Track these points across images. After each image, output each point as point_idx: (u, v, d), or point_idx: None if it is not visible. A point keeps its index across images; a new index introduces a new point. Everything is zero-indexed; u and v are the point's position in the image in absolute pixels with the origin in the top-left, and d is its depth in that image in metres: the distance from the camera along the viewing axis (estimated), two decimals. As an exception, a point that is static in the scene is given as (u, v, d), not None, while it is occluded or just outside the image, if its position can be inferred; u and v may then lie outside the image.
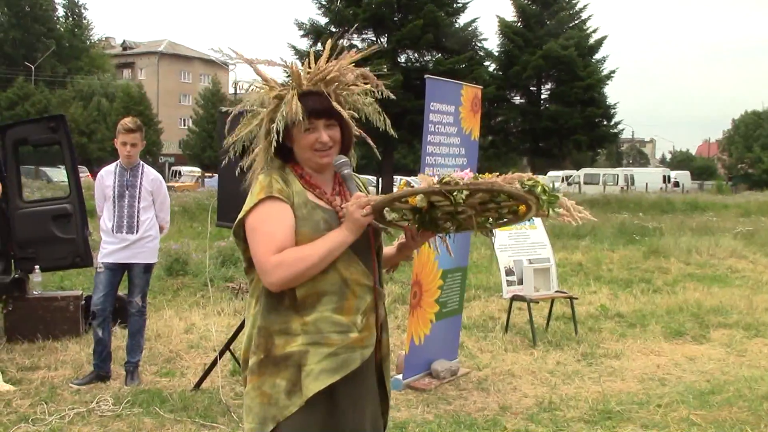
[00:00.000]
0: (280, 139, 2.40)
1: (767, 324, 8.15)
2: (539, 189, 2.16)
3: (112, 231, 5.68)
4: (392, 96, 2.59)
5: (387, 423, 2.69)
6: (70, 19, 58.61)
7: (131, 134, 5.67)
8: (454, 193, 2.17)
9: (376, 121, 2.61)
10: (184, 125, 66.22)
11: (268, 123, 2.47)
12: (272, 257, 2.32)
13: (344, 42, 2.65)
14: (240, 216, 2.42)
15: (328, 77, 2.49)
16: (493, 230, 2.39)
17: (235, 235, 2.46)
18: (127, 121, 5.75)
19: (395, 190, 2.29)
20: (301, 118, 2.38)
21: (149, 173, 5.83)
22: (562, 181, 46.27)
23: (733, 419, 4.90)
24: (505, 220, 2.32)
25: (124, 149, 5.66)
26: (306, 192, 2.45)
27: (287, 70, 2.55)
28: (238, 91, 2.70)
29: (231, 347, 5.54)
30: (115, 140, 5.75)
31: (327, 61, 2.50)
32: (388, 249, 2.67)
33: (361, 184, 2.59)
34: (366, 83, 2.56)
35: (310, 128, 2.43)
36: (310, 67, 2.50)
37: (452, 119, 6.01)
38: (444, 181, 2.18)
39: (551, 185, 2.20)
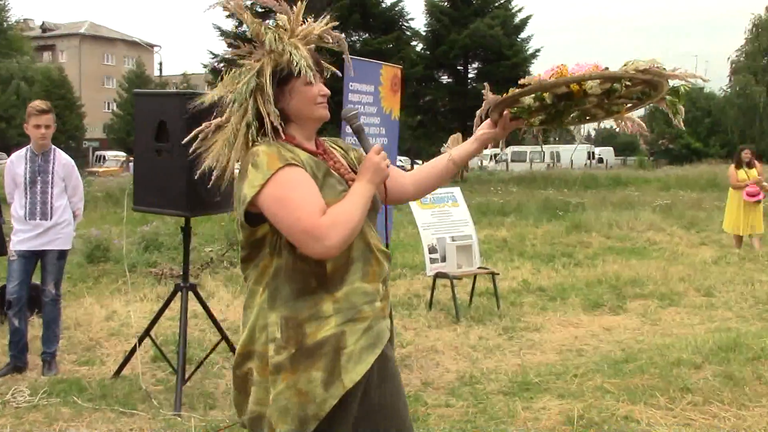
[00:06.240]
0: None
1: (681, 293, 8.45)
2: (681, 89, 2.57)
3: (25, 218, 5.53)
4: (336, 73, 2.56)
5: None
6: (-15, 0, 56.27)
7: (44, 115, 5.52)
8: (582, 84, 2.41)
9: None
10: (108, 109, 64.55)
11: (271, 66, 2.27)
12: (323, 219, 2.14)
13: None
14: (250, 194, 2.17)
15: (313, 33, 2.39)
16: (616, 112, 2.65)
17: (242, 217, 2.24)
18: (38, 103, 5.63)
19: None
20: (310, 65, 2.27)
21: (61, 158, 5.68)
22: (491, 159, 46.76)
23: (645, 386, 5.07)
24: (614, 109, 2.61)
25: (37, 132, 5.51)
26: (311, 159, 2.31)
27: (281, 13, 2.36)
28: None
29: (151, 333, 5.47)
30: (25, 125, 5.60)
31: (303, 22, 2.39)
32: (463, 145, 2.62)
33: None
34: (327, 43, 2.47)
35: (311, 81, 2.31)
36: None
37: (372, 99, 6.03)
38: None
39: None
